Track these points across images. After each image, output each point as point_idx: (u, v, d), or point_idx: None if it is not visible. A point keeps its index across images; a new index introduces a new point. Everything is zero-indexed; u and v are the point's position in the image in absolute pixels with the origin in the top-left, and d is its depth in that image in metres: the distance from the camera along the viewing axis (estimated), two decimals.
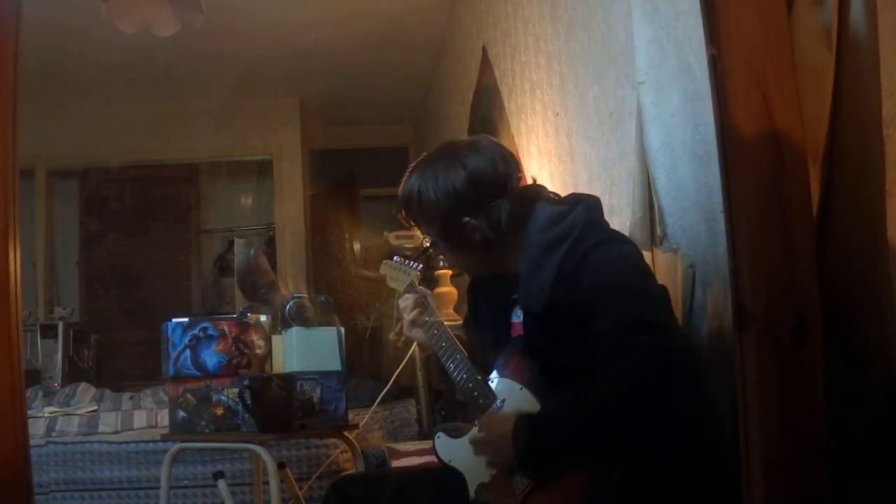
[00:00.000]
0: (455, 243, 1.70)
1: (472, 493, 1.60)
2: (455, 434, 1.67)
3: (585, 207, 1.61)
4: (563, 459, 1.47)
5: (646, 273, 1.57)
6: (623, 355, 1.40)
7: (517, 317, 1.69)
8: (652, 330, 1.41)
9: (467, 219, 1.64)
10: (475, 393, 1.65)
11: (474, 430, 1.61)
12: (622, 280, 1.49)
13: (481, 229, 1.64)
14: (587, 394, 1.44)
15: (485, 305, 1.77)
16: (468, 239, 1.65)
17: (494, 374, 1.66)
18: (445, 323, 1.81)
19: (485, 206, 1.64)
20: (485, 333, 1.75)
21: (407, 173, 1.72)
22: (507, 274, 1.67)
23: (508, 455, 1.50)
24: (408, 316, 1.83)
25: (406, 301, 1.86)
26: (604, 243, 1.56)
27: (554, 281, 1.53)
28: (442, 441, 1.68)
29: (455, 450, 1.65)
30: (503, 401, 1.60)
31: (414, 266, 1.94)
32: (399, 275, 1.95)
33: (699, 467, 1.42)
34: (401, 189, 1.72)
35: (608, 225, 1.66)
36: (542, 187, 1.77)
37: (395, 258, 1.98)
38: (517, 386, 1.60)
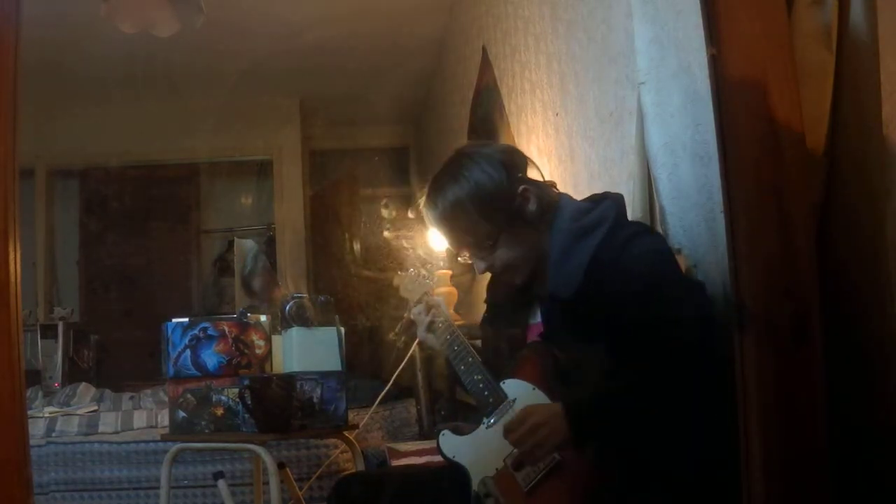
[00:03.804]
0: (518, 223, 1.63)
1: (475, 487, 1.61)
2: (458, 432, 1.69)
3: (613, 202, 1.63)
4: (613, 436, 1.47)
5: (679, 267, 1.59)
6: (674, 350, 1.41)
7: (535, 317, 1.70)
8: (702, 326, 1.42)
9: (523, 186, 1.63)
10: (485, 392, 1.66)
11: (507, 418, 1.57)
12: (667, 273, 1.51)
13: (533, 193, 1.63)
14: (644, 377, 1.44)
15: (505, 304, 1.78)
16: (526, 211, 1.62)
17: (506, 376, 1.67)
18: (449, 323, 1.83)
19: (525, 176, 1.65)
20: (502, 333, 1.76)
21: (432, 194, 1.65)
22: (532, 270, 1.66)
23: (562, 432, 1.47)
24: (422, 323, 1.84)
25: (419, 310, 1.87)
26: (643, 234, 1.58)
27: (588, 268, 1.53)
28: (446, 438, 1.70)
29: (459, 446, 1.67)
30: (514, 399, 1.61)
31: (426, 277, 1.95)
32: (413, 286, 1.95)
33: (706, 472, 1.42)
34: (445, 203, 1.63)
35: (629, 221, 1.68)
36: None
37: (410, 270, 1.98)
38: (529, 386, 1.61)
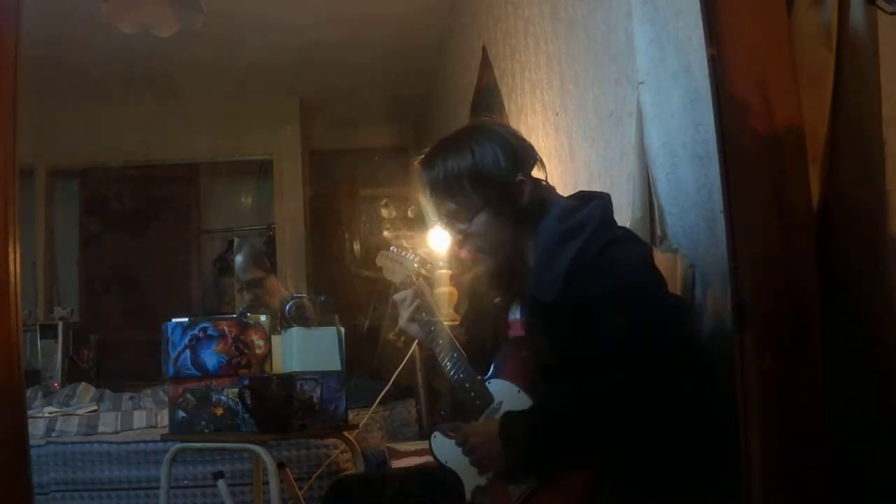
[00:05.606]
0: (504, 207, 1.62)
1: (468, 496, 1.59)
2: (452, 434, 1.66)
3: (600, 203, 1.62)
4: (555, 457, 1.47)
5: (659, 277, 1.57)
6: (630, 361, 1.40)
7: (514, 314, 1.68)
8: (662, 339, 1.42)
9: (521, 177, 1.62)
10: (472, 394, 1.64)
11: (461, 436, 1.58)
12: (639, 282, 1.49)
13: (528, 188, 1.62)
14: (583, 393, 1.44)
15: (486, 300, 1.76)
16: (517, 201, 1.61)
17: (492, 375, 1.65)
18: (446, 323, 1.79)
19: (528, 171, 1.65)
20: (483, 330, 1.74)
21: (433, 156, 1.65)
22: (513, 267, 1.66)
23: (498, 456, 1.50)
24: (404, 311, 1.80)
25: (402, 296, 1.81)
26: (623, 240, 1.57)
27: (567, 272, 1.52)
28: (438, 441, 1.66)
29: (451, 450, 1.63)
30: (500, 403, 1.60)
31: (412, 258, 1.89)
32: (396, 266, 1.89)
33: (698, 476, 1.42)
34: (442, 169, 1.62)
35: (616, 224, 1.67)
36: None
37: (392, 249, 1.93)
38: (514, 388, 1.59)
